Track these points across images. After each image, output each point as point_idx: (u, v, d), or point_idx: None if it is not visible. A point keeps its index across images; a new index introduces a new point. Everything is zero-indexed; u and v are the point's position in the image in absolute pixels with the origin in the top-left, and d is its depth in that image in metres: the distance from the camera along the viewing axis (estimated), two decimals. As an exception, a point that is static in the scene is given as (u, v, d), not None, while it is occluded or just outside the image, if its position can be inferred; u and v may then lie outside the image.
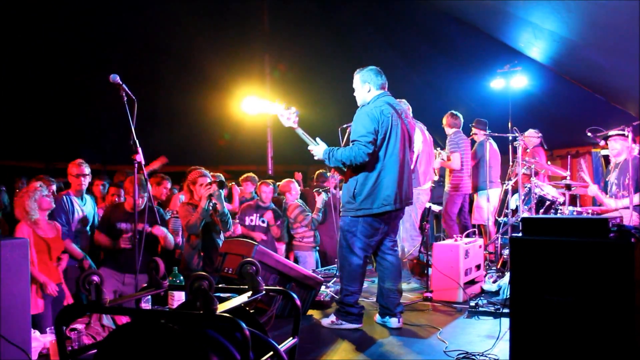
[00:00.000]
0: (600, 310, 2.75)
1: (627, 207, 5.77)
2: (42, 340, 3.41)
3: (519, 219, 6.30)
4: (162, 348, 2.24)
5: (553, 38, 7.86)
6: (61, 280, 5.10)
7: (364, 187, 4.42)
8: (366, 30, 11.76)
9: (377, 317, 4.72)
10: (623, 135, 6.10)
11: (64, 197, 5.69)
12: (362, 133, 4.34)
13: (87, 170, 5.80)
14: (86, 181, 5.83)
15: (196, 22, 10.99)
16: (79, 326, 3.50)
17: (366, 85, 4.60)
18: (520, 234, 3.12)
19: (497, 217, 7.76)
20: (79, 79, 10.17)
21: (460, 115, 7.91)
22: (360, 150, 4.29)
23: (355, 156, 4.31)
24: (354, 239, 4.49)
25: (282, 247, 7.30)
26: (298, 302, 2.71)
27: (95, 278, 2.45)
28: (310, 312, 5.13)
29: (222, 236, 5.77)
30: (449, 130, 7.86)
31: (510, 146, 7.31)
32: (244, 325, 2.10)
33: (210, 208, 5.47)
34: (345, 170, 4.61)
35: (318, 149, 4.55)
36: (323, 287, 5.52)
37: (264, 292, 2.68)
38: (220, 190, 5.59)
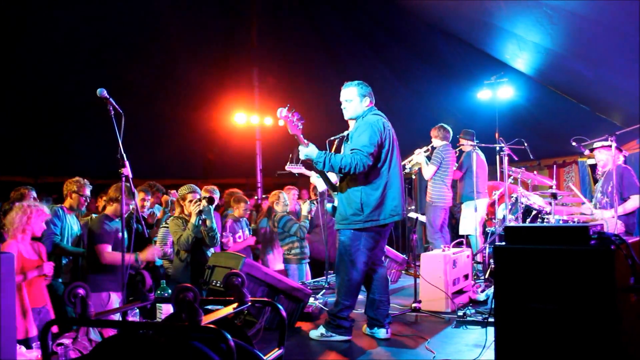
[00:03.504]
0: (583, 317, 2.77)
1: (613, 216, 5.84)
2: (28, 356, 3.39)
3: (506, 229, 6.34)
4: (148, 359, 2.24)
5: (537, 50, 7.97)
6: (46, 302, 4.93)
7: (370, 199, 4.43)
8: (354, 42, 11.86)
9: (366, 328, 4.73)
10: (608, 145, 6.17)
11: (59, 209, 5.63)
12: (365, 143, 4.36)
13: (88, 191, 5.80)
14: (84, 202, 5.83)
15: (185, 37, 11.04)
16: (66, 341, 3.48)
17: (366, 99, 4.63)
18: (504, 243, 3.15)
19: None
20: (67, 92, 10.16)
21: (449, 128, 7.95)
22: (361, 161, 4.30)
23: (355, 165, 4.29)
24: (358, 253, 4.48)
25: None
26: (284, 313, 2.73)
27: (81, 291, 2.45)
28: (298, 324, 5.13)
29: (212, 250, 5.77)
30: (437, 142, 7.85)
31: (497, 156, 7.37)
32: (228, 336, 2.11)
33: (200, 224, 5.49)
34: (340, 183, 4.62)
35: (309, 150, 4.46)
36: (312, 299, 5.53)
37: (249, 303, 2.69)
38: (210, 206, 5.60)
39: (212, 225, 5.62)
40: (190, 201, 5.58)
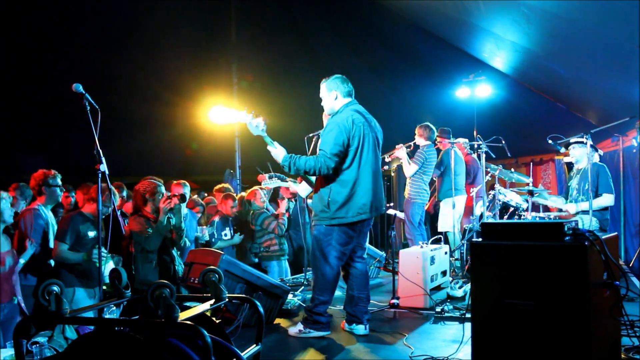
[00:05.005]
0: (557, 312, 2.81)
1: (586, 211, 5.95)
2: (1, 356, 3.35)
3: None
4: (124, 357, 2.22)
5: (515, 48, 8.05)
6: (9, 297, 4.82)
7: (338, 196, 4.42)
8: (333, 40, 11.87)
9: (345, 325, 4.73)
10: (583, 142, 6.27)
11: (40, 210, 5.40)
12: (330, 144, 4.35)
13: (59, 181, 5.64)
14: (59, 194, 5.68)
15: (164, 32, 10.93)
16: (41, 339, 3.44)
17: (333, 93, 4.61)
18: (480, 239, 3.18)
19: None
20: (42, 87, 10.00)
21: (434, 128, 7.94)
22: (324, 163, 4.32)
23: (319, 168, 4.32)
24: (329, 247, 4.48)
25: None
26: (261, 309, 2.72)
27: (55, 288, 2.42)
28: (277, 320, 5.13)
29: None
30: (421, 142, 7.80)
31: (475, 154, 7.43)
32: (205, 332, 2.11)
33: (167, 222, 5.38)
34: (315, 179, 4.64)
35: (277, 152, 4.51)
36: (290, 296, 5.53)
37: (226, 299, 2.68)
38: (182, 205, 5.48)
39: (181, 225, 5.51)
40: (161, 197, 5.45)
